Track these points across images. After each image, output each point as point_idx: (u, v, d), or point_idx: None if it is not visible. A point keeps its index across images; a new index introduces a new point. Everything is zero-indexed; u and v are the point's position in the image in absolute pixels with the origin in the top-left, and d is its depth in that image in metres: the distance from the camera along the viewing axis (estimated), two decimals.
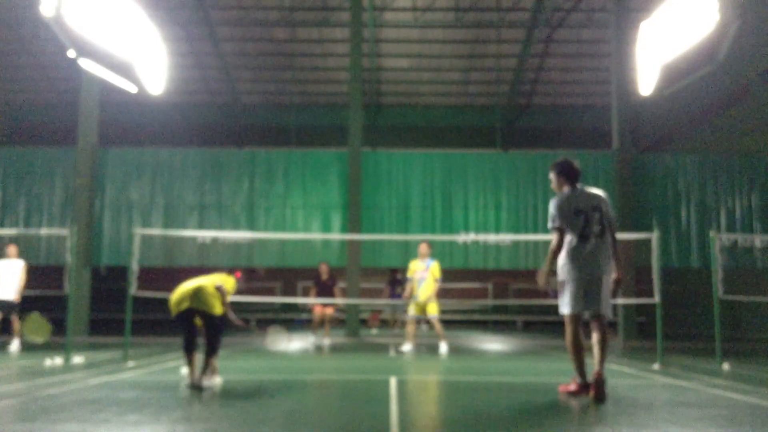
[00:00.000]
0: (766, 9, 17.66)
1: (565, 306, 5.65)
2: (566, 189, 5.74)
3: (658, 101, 20.86)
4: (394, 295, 19.32)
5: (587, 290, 5.52)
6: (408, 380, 7.03)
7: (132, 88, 11.24)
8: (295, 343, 12.73)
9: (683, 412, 4.83)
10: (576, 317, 5.60)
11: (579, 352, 5.60)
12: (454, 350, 12.29)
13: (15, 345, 10.83)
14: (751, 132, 19.02)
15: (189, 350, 6.19)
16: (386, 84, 25.82)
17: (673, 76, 10.90)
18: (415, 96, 26.42)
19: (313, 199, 16.69)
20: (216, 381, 6.31)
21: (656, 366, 8.56)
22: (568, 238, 5.57)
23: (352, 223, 16.24)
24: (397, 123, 26.68)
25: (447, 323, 26.28)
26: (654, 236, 9.11)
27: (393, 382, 6.61)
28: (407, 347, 11.16)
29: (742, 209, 16.70)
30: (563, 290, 5.66)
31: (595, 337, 5.55)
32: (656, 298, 8.90)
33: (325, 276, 12.91)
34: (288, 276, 26.51)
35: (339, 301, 13.42)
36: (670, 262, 16.35)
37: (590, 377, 5.42)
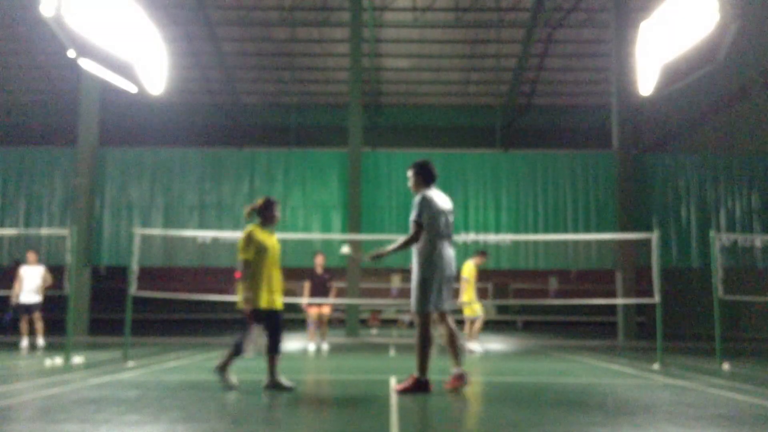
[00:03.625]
0: (766, 9, 17.66)
1: (426, 304, 5.74)
2: (425, 189, 5.95)
3: (658, 101, 20.87)
4: None
5: (447, 289, 5.78)
6: None
7: (132, 88, 11.23)
8: (294, 344, 12.71)
9: (683, 412, 4.82)
10: (431, 316, 5.78)
11: (428, 350, 5.78)
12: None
13: (41, 342, 11.50)
14: (751, 132, 19.02)
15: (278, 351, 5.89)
16: (386, 84, 25.81)
17: (673, 76, 10.89)
18: (415, 96, 26.42)
19: (313, 199, 16.69)
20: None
21: (656, 366, 8.56)
22: (428, 237, 5.76)
23: (352, 223, 16.24)
24: (397, 123, 26.68)
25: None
26: (654, 236, 9.11)
27: (393, 382, 6.61)
28: (476, 347, 11.48)
29: (742, 209, 16.70)
30: (425, 288, 5.74)
31: (446, 333, 5.84)
32: (656, 298, 8.90)
33: (320, 269, 11.58)
34: (288, 276, 26.45)
35: (335, 300, 12.48)
36: (670, 262, 16.34)
37: (456, 370, 5.76)
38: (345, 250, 6.26)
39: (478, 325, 11.74)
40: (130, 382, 6.44)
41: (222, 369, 5.90)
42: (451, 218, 5.96)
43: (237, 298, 5.93)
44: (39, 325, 11.59)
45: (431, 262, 5.74)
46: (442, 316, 5.85)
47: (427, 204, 5.81)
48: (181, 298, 11.15)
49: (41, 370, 7.70)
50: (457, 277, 6.31)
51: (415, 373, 5.76)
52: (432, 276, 5.73)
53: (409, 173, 6.08)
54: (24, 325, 11.56)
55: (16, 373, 7.66)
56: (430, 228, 5.76)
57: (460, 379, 5.79)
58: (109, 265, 17.47)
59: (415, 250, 5.86)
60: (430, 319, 5.78)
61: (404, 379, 5.95)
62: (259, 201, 6.06)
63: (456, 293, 5.84)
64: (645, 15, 13.28)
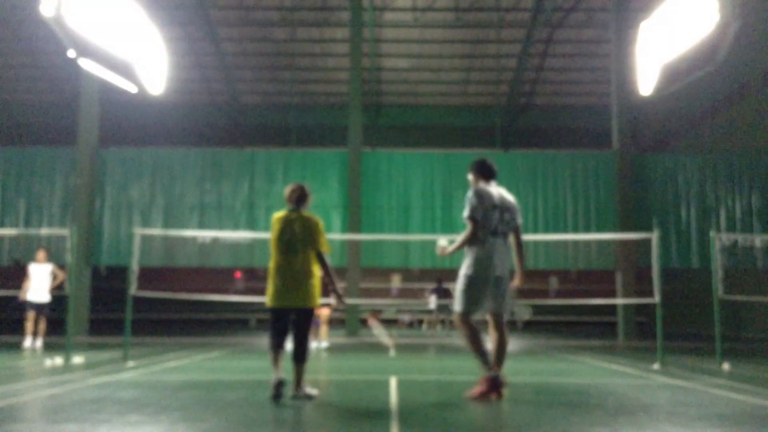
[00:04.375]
0: (766, 9, 17.66)
1: (462, 303, 5.43)
2: (482, 183, 5.64)
3: (658, 101, 20.86)
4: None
5: (494, 290, 5.39)
6: (408, 380, 7.02)
7: (132, 88, 11.22)
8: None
9: (683, 412, 4.82)
10: (467, 315, 5.42)
11: (481, 344, 5.39)
12: (454, 350, 12.29)
13: (39, 343, 11.47)
14: (751, 132, 19.02)
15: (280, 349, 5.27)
16: (386, 84, 25.81)
17: (673, 76, 10.88)
18: (415, 96, 26.42)
19: (313, 199, 16.64)
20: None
21: (656, 366, 8.56)
22: (479, 233, 5.41)
23: (352, 223, 16.24)
24: (397, 123, 26.68)
25: (450, 323, 26.25)
26: (654, 236, 9.11)
27: (393, 382, 6.61)
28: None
29: (742, 209, 16.70)
30: (465, 286, 5.43)
31: (494, 336, 5.43)
32: (656, 298, 8.90)
33: None
34: None
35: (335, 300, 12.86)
36: (670, 262, 16.34)
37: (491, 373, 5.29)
38: (442, 243, 5.83)
39: None
40: (130, 382, 6.43)
41: (298, 386, 5.29)
42: (508, 215, 5.52)
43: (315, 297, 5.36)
44: (42, 326, 11.57)
45: (477, 260, 5.39)
46: (496, 319, 5.44)
47: (475, 198, 5.46)
48: (181, 298, 11.16)
49: (41, 370, 7.70)
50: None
51: (483, 373, 5.37)
52: (475, 274, 5.38)
53: (468, 175, 5.78)
54: (30, 325, 11.49)
55: (16, 373, 7.66)
56: (480, 224, 5.43)
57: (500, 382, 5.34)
58: (109, 265, 17.47)
59: (465, 246, 5.49)
60: (467, 319, 5.42)
61: (474, 385, 5.46)
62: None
63: (501, 294, 5.36)
64: (645, 15, 13.26)
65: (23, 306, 11.61)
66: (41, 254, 11.83)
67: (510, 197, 5.68)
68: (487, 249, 5.39)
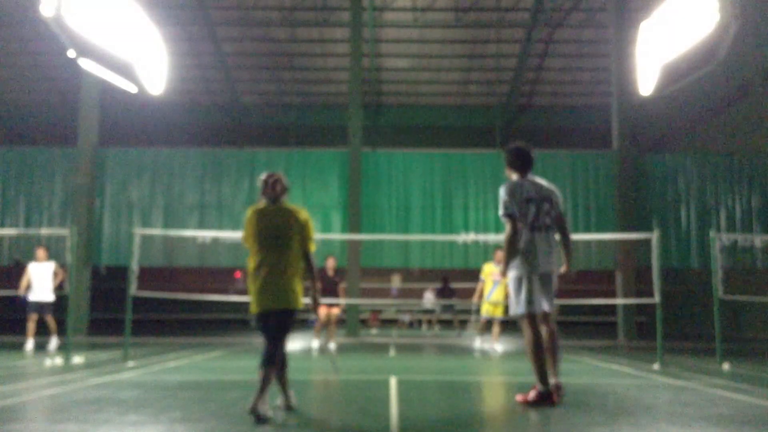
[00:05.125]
0: (766, 9, 17.66)
1: (520, 305, 5.21)
2: (515, 177, 5.37)
3: (658, 101, 20.86)
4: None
5: (543, 287, 5.19)
6: (408, 380, 7.02)
7: (132, 88, 11.23)
8: (295, 344, 12.71)
9: (683, 412, 4.82)
10: (533, 317, 5.19)
11: (542, 355, 5.13)
12: (455, 350, 12.30)
13: (53, 343, 11.27)
14: (751, 132, 19.03)
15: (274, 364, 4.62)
16: (386, 84, 25.80)
17: (673, 76, 10.88)
18: (415, 96, 26.42)
19: (313, 199, 16.68)
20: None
21: (656, 366, 8.56)
22: (523, 229, 5.19)
23: (352, 223, 16.24)
24: (397, 123, 26.68)
25: (448, 323, 26.25)
26: (654, 236, 9.11)
27: (393, 382, 6.61)
28: (498, 347, 11.67)
29: (742, 209, 16.70)
30: (517, 286, 5.22)
31: (546, 336, 5.17)
32: (656, 298, 8.90)
33: (331, 272, 11.73)
34: None
35: (343, 301, 12.63)
36: (670, 262, 16.34)
37: (552, 380, 5.08)
38: (465, 238, 5.68)
39: (494, 327, 11.79)
40: (130, 382, 6.44)
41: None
42: (547, 205, 5.23)
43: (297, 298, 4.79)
44: (52, 325, 11.33)
45: (521, 257, 5.15)
46: (545, 317, 5.20)
47: (505, 194, 5.20)
48: (181, 298, 11.16)
49: (41, 370, 7.70)
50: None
51: (537, 385, 5.11)
52: (522, 273, 5.16)
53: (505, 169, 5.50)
54: (31, 326, 11.18)
55: (16, 373, 7.66)
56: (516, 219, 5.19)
57: (557, 391, 5.08)
58: (109, 265, 17.45)
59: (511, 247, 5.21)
60: (531, 320, 5.16)
61: (526, 392, 5.23)
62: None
63: (549, 291, 5.17)
64: (645, 15, 13.27)
65: (24, 306, 11.43)
66: (41, 252, 11.61)
67: (549, 186, 5.41)
68: (528, 245, 5.16)
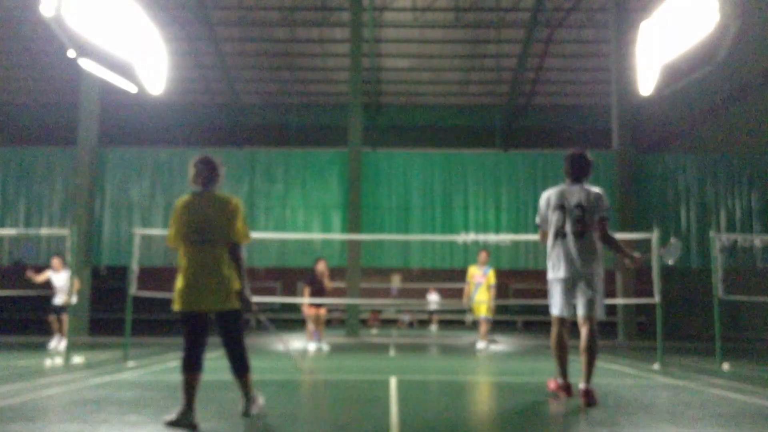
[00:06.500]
0: (766, 9, 17.66)
1: (552, 306, 5.48)
2: (567, 183, 5.60)
3: (658, 101, 20.86)
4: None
5: (573, 291, 5.26)
6: (408, 380, 7.02)
7: (132, 88, 11.23)
8: (295, 344, 12.71)
9: (683, 412, 4.82)
10: (561, 319, 5.40)
11: (562, 352, 5.47)
12: (455, 350, 12.30)
13: (63, 343, 11.32)
14: (750, 132, 19.02)
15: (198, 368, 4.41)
16: (386, 84, 25.81)
17: (673, 76, 10.89)
18: (415, 96, 26.42)
19: (313, 199, 16.68)
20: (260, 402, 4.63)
21: (656, 366, 8.56)
22: (550, 236, 5.45)
23: (352, 223, 16.23)
24: (397, 123, 26.68)
25: (448, 323, 26.23)
26: (654, 236, 9.11)
27: (393, 382, 6.61)
28: (482, 345, 11.93)
29: (742, 209, 16.69)
30: (550, 290, 5.48)
31: (582, 342, 5.22)
32: (656, 298, 8.90)
33: (321, 275, 11.81)
34: (288, 276, 26.51)
35: (334, 301, 12.82)
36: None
37: (580, 385, 5.13)
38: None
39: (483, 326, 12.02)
40: (130, 382, 6.44)
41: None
42: (578, 212, 5.32)
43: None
44: (65, 326, 11.44)
45: (550, 262, 5.42)
46: (584, 320, 5.25)
47: (541, 202, 5.58)
48: None
49: (41, 370, 7.70)
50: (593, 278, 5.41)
51: (558, 379, 5.52)
52: (552, 277, 5.40)
53: None
54: (56, 324, 11.54)
55: (16, 373, 7.66)
56: (548, 227, 5.48)
57: (585, 396, 5.07)
58: (109, 265, 17.45)
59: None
60: (557, 321, 5.41)
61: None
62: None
63: (582, 296, 5.26)
64: (645, 15, 13.27)
65: (45, 307, 11.62)
66: (56, 261, 11.62)
67: (593, 192, 5.53)
68: (556, 252, 5.37)
